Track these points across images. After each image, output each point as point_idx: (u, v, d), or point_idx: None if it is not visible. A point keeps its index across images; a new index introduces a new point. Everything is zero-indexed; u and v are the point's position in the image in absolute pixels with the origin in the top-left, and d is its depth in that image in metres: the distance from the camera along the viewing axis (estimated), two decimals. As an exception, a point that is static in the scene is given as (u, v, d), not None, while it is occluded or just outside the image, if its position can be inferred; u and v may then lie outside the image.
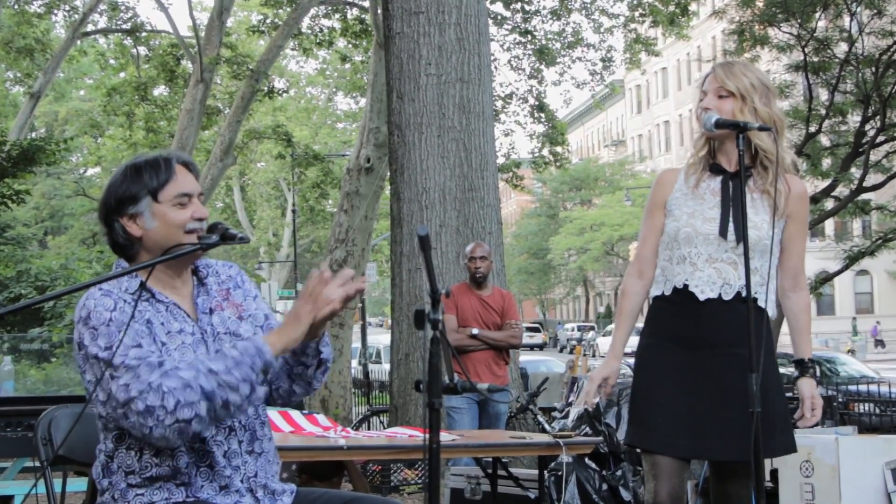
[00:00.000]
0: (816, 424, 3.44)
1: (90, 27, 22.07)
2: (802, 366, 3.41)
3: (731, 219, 3.33)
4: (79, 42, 22.71)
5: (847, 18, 13.82)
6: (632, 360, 3.55)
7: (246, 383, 2.48)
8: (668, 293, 3.40)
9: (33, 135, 29.42)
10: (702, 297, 3.33)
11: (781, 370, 3.65)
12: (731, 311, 3.30)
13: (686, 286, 3.35)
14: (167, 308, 2.63)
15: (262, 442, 2.72)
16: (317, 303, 2.54)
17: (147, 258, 2.63)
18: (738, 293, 3.31)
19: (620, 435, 6.60)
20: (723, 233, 3.33)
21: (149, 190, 2.61)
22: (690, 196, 3.41)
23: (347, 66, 24.29)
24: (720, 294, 3.32)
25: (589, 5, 20.13)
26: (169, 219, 2.61)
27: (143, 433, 2.45)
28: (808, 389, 3.39)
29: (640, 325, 3.58)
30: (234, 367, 2.47)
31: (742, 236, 3.25)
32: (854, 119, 14.32)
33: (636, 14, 19.22)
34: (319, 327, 2.64)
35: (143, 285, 2.59)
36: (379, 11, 12.95)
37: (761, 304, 3.31)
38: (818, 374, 3.63)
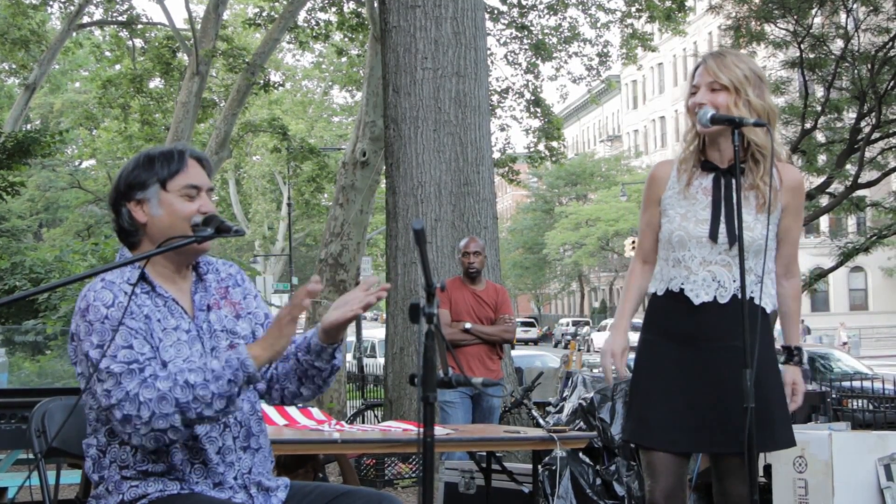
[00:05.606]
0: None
1: (86, 19, 22.01)
2: (788, 353, 3.40)
3: (722, 220, 3.28)
4: (74, 34, 22.66)
5: (843, 15, 13.81)
6: (630, 356, 3.53)
7: (221, 398, 2.47)
8: (660, 293, 3.38)
9: (28, 127, 29.38)
10: (697, 302, 3.29)
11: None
12: (726, 310, 3.27)
13: (682, 290, 3.32)
14: (165, 303, 2.62)
15: (257, 438, 2.71)
16: (296, 310, 2.53)
17: (149, 247, 2.62)
18: (735, 296, 3.26)
19: (614, 430, 6.61)
20: (713, 236, 3.28)
21: (158, 178, 2.62)
22: (683, 196, 3.35)
23: (343, 59, 24.27)
24: (715, 297, 3.28)
25: (585, 1, 20.12)
26: (175, 209, 2.61)
27: (123, 437, 2.50)
28: (790, 376, 3.38)
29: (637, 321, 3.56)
30: (213, 380, 2.46)
31: (738, 237, 3.21)
32: (849, 116, 14.32)
33: (633, 9, 19.22)
34: (339, 332, 2.66)
35: (142, 276, 2.58)
36: (375, 5, 12.94)
37: (759, 302, 3.29)
38: (804, 361, 3.54)
